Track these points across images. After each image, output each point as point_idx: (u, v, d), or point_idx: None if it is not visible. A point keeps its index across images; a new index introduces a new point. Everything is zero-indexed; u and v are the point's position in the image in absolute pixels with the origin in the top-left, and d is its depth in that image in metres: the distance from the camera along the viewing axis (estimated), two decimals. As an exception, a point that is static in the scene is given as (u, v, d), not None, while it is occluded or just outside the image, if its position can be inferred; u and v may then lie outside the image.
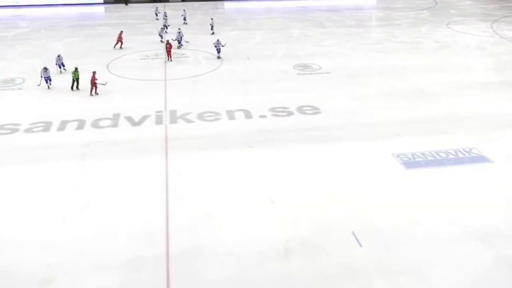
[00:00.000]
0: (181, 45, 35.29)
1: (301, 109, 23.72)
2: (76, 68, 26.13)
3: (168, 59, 31.97)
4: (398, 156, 19.05)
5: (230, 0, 56.70)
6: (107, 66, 30.97)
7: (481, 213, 15.44)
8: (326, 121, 22.50)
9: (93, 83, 25.54)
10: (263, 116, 22.96)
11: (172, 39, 34.46)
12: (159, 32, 36.89)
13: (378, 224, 14.87)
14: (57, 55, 29.16)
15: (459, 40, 38.28)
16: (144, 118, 22.67)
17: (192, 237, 14.28)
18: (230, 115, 23.06)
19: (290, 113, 23.30)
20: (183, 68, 30.71)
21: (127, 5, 54.48)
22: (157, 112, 23.34)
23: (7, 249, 13.76)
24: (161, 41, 36.04)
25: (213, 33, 39.67)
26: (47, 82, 25.65)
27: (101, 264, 13.16)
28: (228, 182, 17.19)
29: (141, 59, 32.68)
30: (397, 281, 12.66)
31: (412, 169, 18.18)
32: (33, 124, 22.02)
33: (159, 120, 22.50)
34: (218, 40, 32.18)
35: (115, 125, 22.08)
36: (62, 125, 21.92)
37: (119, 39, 35.90)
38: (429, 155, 19.15)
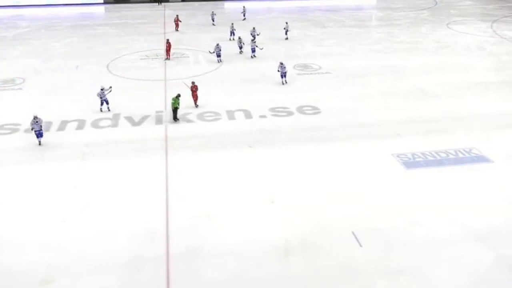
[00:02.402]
0: (255, 55, 32.54)
1: (301, 109, 23.73)
2: (178, 95, 22.03)
3: (167, 58, 32.01)
4: (398, 156, 19.05)
5: (230, 0, 56.69)
6: (107, 66, 30.97)
7: (481, 213, 15.45)
8: (326, 121, 22.51)
9: (195, 94, 23.47)
10: (263, 116, 22.96)
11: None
12: (215, 51, 31.16)
13: (378, 224, 14.88)
14: (100, 89, 23.10)
15: (459, 40, 38.27)
16: (144, 118, 22.68)
17: (192, 237, 14.28)
18: (230, 115, 23.06)
19: (290, 113, 23.30)
20: (183, 68, 30.70)
21: (159, 4, 54.30)
22: (157, 112, 23.35)
23: (7, 249, 13.77)
24: (241, 52, 33.24)
25: (286, 38, 37.89)
26: (38, 137, 19.82)
27: (101, 264, 13.16)
28: (228, 182, 17.19)
29: (141, 59, 32.68)
30: (397, 281, 12.66)
31: (412, 169, 18.18)
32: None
33: (159, 120, 22.50)
34: (281, 64, 27.00)
35: (115, 125, 22.08)
36: (62, 125, 21.93)
37: (176, 23, 40.82)
38: (429, 155, 19.15)
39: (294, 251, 13.72)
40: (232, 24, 37.85)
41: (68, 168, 18.14)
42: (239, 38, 33.61)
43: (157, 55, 33.22)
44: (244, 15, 45.46)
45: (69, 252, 13.58)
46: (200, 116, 22.92)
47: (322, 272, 12.97)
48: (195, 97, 23.53)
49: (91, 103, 24.46)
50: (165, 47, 32.27)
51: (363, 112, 23.42)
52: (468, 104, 24.62)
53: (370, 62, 31.94)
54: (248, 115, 23.10)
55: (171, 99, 22.10)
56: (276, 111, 23.50)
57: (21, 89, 26.89)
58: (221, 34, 39.95)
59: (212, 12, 44.52)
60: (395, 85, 27.48)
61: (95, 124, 22.07)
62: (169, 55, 32.15)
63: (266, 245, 13.93)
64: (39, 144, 19.76)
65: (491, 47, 36.27)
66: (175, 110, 21.93)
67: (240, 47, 33.26)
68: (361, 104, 24.48)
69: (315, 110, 23.64)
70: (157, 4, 54.27)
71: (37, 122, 19.54)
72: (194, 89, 23.41)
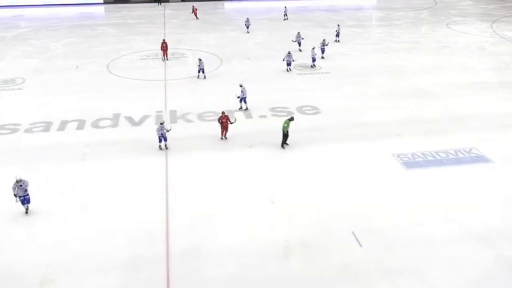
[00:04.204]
0: (314, 65, 30.59)
1: (301, 109, 23.73)
2: (291, 118, 19.69)
3: (165, 58, 31.97)
4: (398, 156, 19.05)
5: (230, 0, 56.70)
6: (107, 67, 30.97)
7: (481, 213, 15.45)
8: (326, 121, 22.51)
9: (225, 126, 20.30)
10: (263, 116, 22.97)
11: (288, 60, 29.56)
12: (198, 66, 28.31)
13: (378, 224, 14.88)
14: (160, 123, 19.66)
15: (459, 40, 38.28)
16: (144, 118, 22.68)
17: (192, 237, 14.29)
18: (230, 115, 23.00)
19: (290, 113, 23.29)
20: (183, 68, 30.70)
21: (160, 4, 54.07)
22: (157, 112, 23.34)
23: (7, 249, 13.76)
24: (288, 71, 29.66)
25: (338, 40, 37.11)
26: (23, 204, 15.34)
27: (101, 264, 13.17)
28: (228, 182, 17.18)
29: (141, 59, 32.68)
30: (397, 281, 12.67)
31: (412, 169, 18.18)
32: (33, 124, 22.03)
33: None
34: (241, 86, 23.39)
35: (115, 125, 22.08)
36: (62, 125, 21.93)
37: (195, 12, 45.88)
38: (429, 155, 19.15)
39: (294, 251, 13.72)
40: (299, 33, 34.63)
41: (68, 168, 18.14)
42: (313, 48, 30.63)
43: (157, 55, 33.19)
44: (285, 15, 45.47)
45: (69, 252, 13.59)
46: (200, 116, 22.92)
47: (322, 272, 12.97)
48: (224, 128, 20.33)
49: (91, 103, 24.51)
50: (161, 48, 32.07)
51: (363, 112, 23.43)
52: (468, 104, 24.63)
53: (370, 62, 31.95)
54: (248, 115, 23.11)
55: (283, 122, 19.56)
56: (276, 111, 23.50)
57: (21, 89, 26.88)
58: (221, 34, 40.04)
59: (247, 19, 40.76)
60: (395, 85, 27.49)
61: (95, 124, 22.07)
62: (167, 56, 32.08)
63: (266, 245, 13.93)
64: (26, 212, 15.35)
65: (491, 47, 36.27)
66: (286, 135, 19.49)
67: (314, 59, 30.56)
68: (361, 104, 24.49)
69: (315, 110, 23.64)
70: (157, 4, 54.27)
71: (21, 186, 15.02)
72: (224, 119, 20.09)
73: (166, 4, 54.76)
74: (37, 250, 13.70)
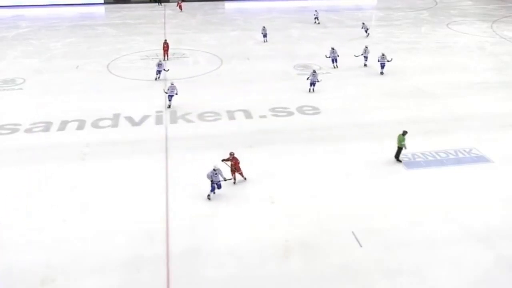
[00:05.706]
0: (366, 64, 30.45)
1: (301, 109, 23.73)
2: (404, 132, 18.37)
3: (165, 58, 31.96)
4: (398, 156, 19.05)
5: (230, 0, 56.71)
6: (107, 67, 30.97)
7: (481, 213, 15.45)
8: (326, 121, 22.50)
9: (235, 169, 17.07)
10: (263, 116, 22.97)
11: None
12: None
13: (378, 224, 14.88)
14: (212, 169, 16.03)
15: (459, 40, 38.27)
16: (144, 118, 22.68)
17: (192, 237, 14.29)
18: (230, 115, 23.06)
19: (290, 113, 23.30)
20: (183, 68, 30.70)
21: (160, 4, 54.05)
22: (157, 112, 23.35)
23: (8, 249, 13.75)
24: (311, 91, 26.31)
25: (368, 35, 38.50)
26: None
27: (101, 264, 13.17)
28: (228, 182, 17.15)
29: (141, 59, 32.68)
30: (397, 281, 12.67)
31: (413, 169, 18.18)
32: (33, 124, 22.03)
33: (159, 120, 22.50)
34: (171, 85, 23.63)
35: (115, 125, 22.08)
36: (62, 125, 21.93)
37: (179, 5, 49.82)
38: (429, 155, 19.15)
39: (294, 251, 13.72)
40: (333, 49, 30.71)
41: (68, 168, 18.14)
42: (366, 47, 30.53)
43: (157, 55, 33.16)
44: (316, 19, 43.98)
45: (69, 252, 13.59)
46: (200, 116, 22.92)
47: (322, 272, 12.97)
48: (237, 170, 17.13)
49: (91, 103, 24.51)
50: (162, 48, 32.12)
51: (363, 112, 23.42)
52: (468, 104, 24.63)
53: (370, 62, 31.88)
54: (248, 115, 23.11)
55: (397, 136, 18.58)
56: (276, 111, 23.50)
57: (21, 89, 26.88)
58: (221, 34, 40.04)
59: (264, 27, 37.82)
60: (395, 85, 27.48)
61: (95, 124, 22.07)
62: (168, 56, 32.08)
63: (266, 245, 13.93)
64: None
65: (491, 47, 36.26)
66: (400, 148, 18.53)
67: (366, 58, 30.52)
68: (361, 104, 24.48)
69: (315, 110, 23.64)
70: (157, 4, 54.28)
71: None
72: (233, 161, 17.00)
73: (166, 4, 54.75)
74: (37, 250, 13.70)
